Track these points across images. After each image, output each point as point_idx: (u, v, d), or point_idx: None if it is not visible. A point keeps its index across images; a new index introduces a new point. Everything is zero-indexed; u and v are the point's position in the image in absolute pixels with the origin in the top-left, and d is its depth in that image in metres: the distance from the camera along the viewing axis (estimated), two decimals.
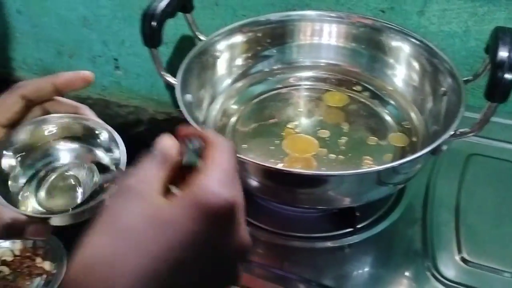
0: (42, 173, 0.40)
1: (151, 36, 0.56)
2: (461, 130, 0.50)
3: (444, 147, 0.51)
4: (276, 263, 0.55)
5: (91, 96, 1.14)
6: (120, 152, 0.39)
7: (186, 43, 0.94)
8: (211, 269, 0.29)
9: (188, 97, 0.60)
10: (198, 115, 0.62)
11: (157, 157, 0.30)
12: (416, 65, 0.65)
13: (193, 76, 0.62)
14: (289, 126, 0.64)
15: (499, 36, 0.48)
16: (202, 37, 0.67)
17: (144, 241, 0.26)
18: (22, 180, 0.39)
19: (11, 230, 0.34)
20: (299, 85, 0.72)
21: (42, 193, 0.39)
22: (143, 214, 0.27)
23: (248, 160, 0.48)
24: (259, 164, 0.47)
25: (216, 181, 0.28)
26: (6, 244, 0.80)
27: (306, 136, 0.62)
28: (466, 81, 0.58)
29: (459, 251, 0.56)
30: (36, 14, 1.04)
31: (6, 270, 0.77)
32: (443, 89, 0.59)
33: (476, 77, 0.58)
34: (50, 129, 0.40)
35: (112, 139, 0.40)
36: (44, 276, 0.76)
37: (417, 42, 0.64)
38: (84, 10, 0.98)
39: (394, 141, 0.61)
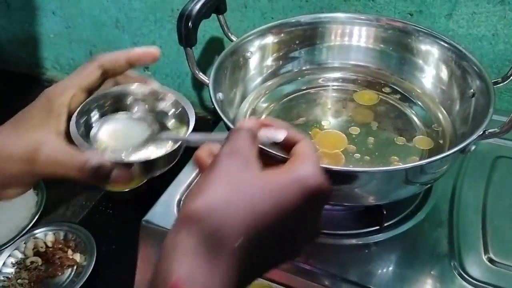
0: None
1: (187, 36, 0.58)
2: (490, 130, 0.51)
3: (473, 147, 0.52)
4: (302, 258, 0.57)
5: None
6: (189, 116, 0.43)
7: (214, 45, 0.96)
8: (291, 242, 0.33)
9: (220, 95, 0.62)
10: (228, 113, 0.64)
11: (248, 133, 0.34)
12: (444, 67, 0.66)
13: (224, 75, 0.64)
14: (316, 125, 0.65)
15: None
16: (233, 38, 0.69)
17: (254, 199, 0.30)
18: None
19: (98, 174, 0.38)
20: (328, 85, 0.73)
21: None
22: (253, 176, 0.31)
23: (276, 154, 0.49)
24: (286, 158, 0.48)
25: (316, 166, 0.32)
26: (39, 235, 0.83)
27: (335, 132, 0.63)
28: (495, 83, 0.58)
29: (486, 252, 0.56)
30: (70, 16, 1.08)
31: (39, 260, 0.79)
32: (471, 91, 0.60)
33: (505, 79, 0.59)
34: (128, 94, 0.45)
35: (181, 105, 0.44)
36: (75, 267, 0.79)
37: (446, 45, 0.65)
38: (117, 12, 1.01)
39: (420, 144, 0.62)
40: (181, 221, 0.30)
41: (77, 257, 0.80)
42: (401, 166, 0.48)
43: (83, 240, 0.81)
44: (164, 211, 0.63)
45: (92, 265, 0.77)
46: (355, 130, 0.64)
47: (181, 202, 0.64)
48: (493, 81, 0.57)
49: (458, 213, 0.61)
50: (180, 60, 1.04)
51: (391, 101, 0.68)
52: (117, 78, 0.44)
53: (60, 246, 0.81)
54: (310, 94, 0.71)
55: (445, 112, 0.65)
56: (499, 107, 0.77)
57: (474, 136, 0.49)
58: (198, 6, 0.59)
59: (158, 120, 0.45)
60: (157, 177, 0.87)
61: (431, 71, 0.68)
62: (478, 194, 0.63)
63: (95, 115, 0.43)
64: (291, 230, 0.32)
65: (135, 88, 0.44)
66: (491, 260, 0.55)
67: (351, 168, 0.54)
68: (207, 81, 0.60)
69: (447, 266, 0.55)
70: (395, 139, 0.62)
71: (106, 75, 0.43)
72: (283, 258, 0.34)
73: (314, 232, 0.35)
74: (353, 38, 0.72)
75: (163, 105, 0.45)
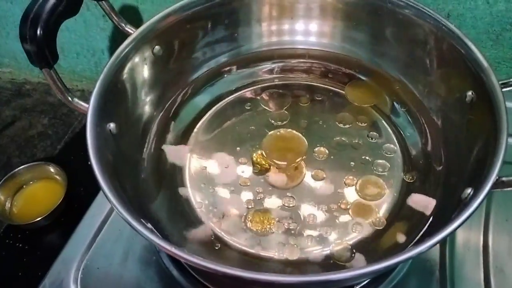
0: None
1: (38, 53, 0.37)
2: (504, 178, 0.34)
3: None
4: None
5: (29, 80, 0.98)
6: None
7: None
8: None
9: (110, 127, 0.42)
10: (129, 149, 0.45)
11: None
12: (429, 54, 0.47)
13: (116, 94, 0.44)
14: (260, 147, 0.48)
15: None
16: (129, 29, 0.48)
17: None
18: None
19: None
20: (271, 80, 0.54)
21: None
22: None
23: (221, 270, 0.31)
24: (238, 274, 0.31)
25: None
26: None
27: (290, 134, 0.49)
28: (505, 85, 0.40)
29: None
30: None
31: None
32: (469, 93, 0.42)
33: None
34: None
35: None
36: None
37: (432, 22, 0.46)
38: None
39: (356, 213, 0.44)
40: None
41: None
42: (385, 263, 0.30)
43: None
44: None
45: None
46: (319, 152, 0.48)
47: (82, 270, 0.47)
48: (502, 82, 0.39)
49: (453, 254, 0.46)
50: (90, 34, 0.83)
51: None
52: None
53: None
54: (245, 99, 0.52)
55: (433, 116, 0.48)
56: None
57: (480, 198, 0.32)
58: (52, 1, 0.37)
59: None
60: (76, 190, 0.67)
61: (410, 58, 0.49)
62: (477, 225, 0.48)
63: None
64: None
65: None
66: None
67: (315, 277, 0.35)
68: (86, 109, 0.40)
69: None
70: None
71: None
72: None
73: None
74: (300, 10, 0.51)
75: None
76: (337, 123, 0.49)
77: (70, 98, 0.41)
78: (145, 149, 0.48)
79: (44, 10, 0.37)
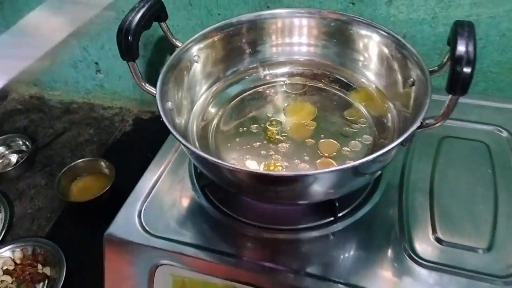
0: None
1: (128, 50, 0.58)
2: (427, 121, 0.53)
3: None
4: (265, 257, 0.59)
5: (75, 100, 1.15)
6: None
7: (164, 45, 0.95)
8: None
9: (169, 104, 0.62)
10: (179, 120, 0.65)
11: None
12: (385, 57, 0.67)
13: (172, 82, 0.64)
14: (269, 123, 0.67)
15: (457, 31, 0.50)
16: (178, 43, 0.69)
17: None
18: None
19: None
20: (275, 81, 0.75)
21: None
22: None
23: (225, 165, 0.51)
24: (238, 169, 0.50)
25: None
26: (7, 253, 0.82)
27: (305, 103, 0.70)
28: (432, 72, 0.60)
29: (434, 231, 0.60)
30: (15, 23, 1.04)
31: (9, 279, 0.80)
32: (411, 79, 0.62)
33: (441, 68, 0.61)
34: None
35: None
36: (46, 281, 0.79)
37: (385, 34, 0.66)
38: None
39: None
40: None
41: (48, 270, 0.80)
42: (344, 166, 0.50)
43: (51, 253, 0.82)
44: (126, 223, 0.64)
45: (63, 277, 0.78)
46: (311, 124, 0.67)
47: (144, 210, 0.65)
48: (430, 69, 0.59)
49: (408, 196, 0.64)
50: None
51: (337, 92, 0.71)
52: None
53: (29, 261, 0.81)
54: (259, 92, 0.73)
55: (389, 99, 0.68)
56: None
57: (411, 131, 0.51)
58: (137, 18, 0.58)
59: None
60: (119, 182, 0.86)
61: (372, 61, 0.70)
62: (425, 176, 0.66)
63: None
64: None
65: None
66: (438, 240, 0.59)
67: (296, 173, 0.56)
68: (154, 92, 0.60)
69: (399, 248, 0.58)
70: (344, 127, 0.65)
71: None
72: None
73: None
74: (296, 33, 0.73)
75: None
76: (321, 107, 0.70)
77: (143, 83, 0.62)
78: (189, 125, 0.68)
79: (132, 24, 0.58)
